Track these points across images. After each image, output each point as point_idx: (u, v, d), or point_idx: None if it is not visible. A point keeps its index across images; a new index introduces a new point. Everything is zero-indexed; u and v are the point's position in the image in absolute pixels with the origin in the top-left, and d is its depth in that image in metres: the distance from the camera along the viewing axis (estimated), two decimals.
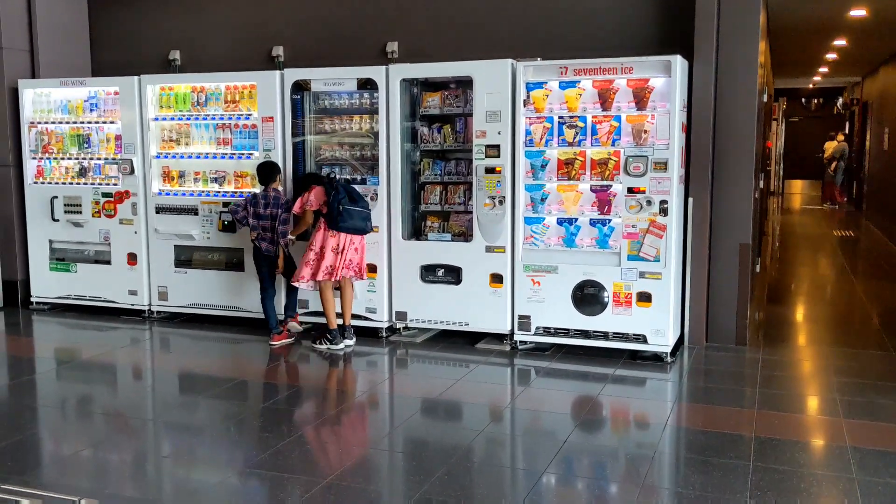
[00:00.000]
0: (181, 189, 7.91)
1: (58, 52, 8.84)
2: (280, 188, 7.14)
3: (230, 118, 7.64)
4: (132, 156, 7.93)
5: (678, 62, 6.30)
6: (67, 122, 8.26)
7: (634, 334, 6.53)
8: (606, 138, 6.49)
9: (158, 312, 8.10)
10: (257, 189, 7.39)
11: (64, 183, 8.33)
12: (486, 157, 6.77)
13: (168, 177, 7.98)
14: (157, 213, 7.92)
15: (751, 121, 6.79)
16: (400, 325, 7.29)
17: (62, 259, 8.37)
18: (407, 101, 7.21)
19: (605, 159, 6.51)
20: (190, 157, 7.80)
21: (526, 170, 6.73)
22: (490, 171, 6.77)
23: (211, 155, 7.72)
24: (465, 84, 6.96)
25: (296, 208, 6.82)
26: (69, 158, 8.33)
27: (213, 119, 7.69)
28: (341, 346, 6.88)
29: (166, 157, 7.91)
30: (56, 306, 8.53)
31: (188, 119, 7.79)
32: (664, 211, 6.35)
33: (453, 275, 7.02)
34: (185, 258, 7.92)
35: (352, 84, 7.21)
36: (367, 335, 7.22)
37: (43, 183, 8.41)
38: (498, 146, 6.73)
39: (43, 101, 8.34)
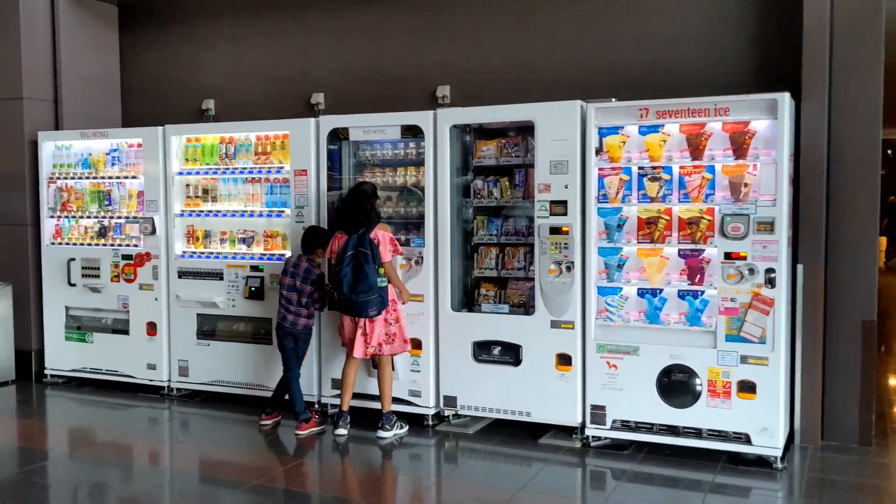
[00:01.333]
0: (206, 251, 7.04)
1: (85, 103, 8.18)
2: (321, 260, 6.17)
3: (260, 171, 6.77)
4: (154, 214, 7.12)
5: (786, 101, 5.19)
6: (88, 178, 7.53)
7: (735, 433, 5.30)
8: (697, 193, 5.38)
9: (178, 390, 7.18)
10: (288, 252, 6.46)
11: (82, 244, 7.56)
12: (551, 214, 5.72)
13: (192, 237, 7.13)
14: (180, 277, 7.06)
15: (874, 170, 5.60)
16: (449, 413, 6.20)
17: (78, 328, 7.55)
18: (458, 151, 6.24)
19: (695, 218, 5.39)
20: (216, 214, 6.94)
21: (599, 230, 5.66)
22: (555, 231, 5.71)
23: (239, 213, 6.85)
24: (526, 131, 5.96)
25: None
26: (89, 217, 7.57)
27: (242, 173, 6.84)
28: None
29: (190, 214, 7.07)
30: (71, 380, 7.71)
31: (215, 173, 6.96)
32: (771, 281, 5.18)
33: (511, 354, 5.93)
34: (209, 328, 7.02)
35: (395, 132, 6.28)
36: (412, 423, 6.14)
37: (61, 244, 7.66)
38: (565, 202, 5.68)
39: (63, 154, 7.64)
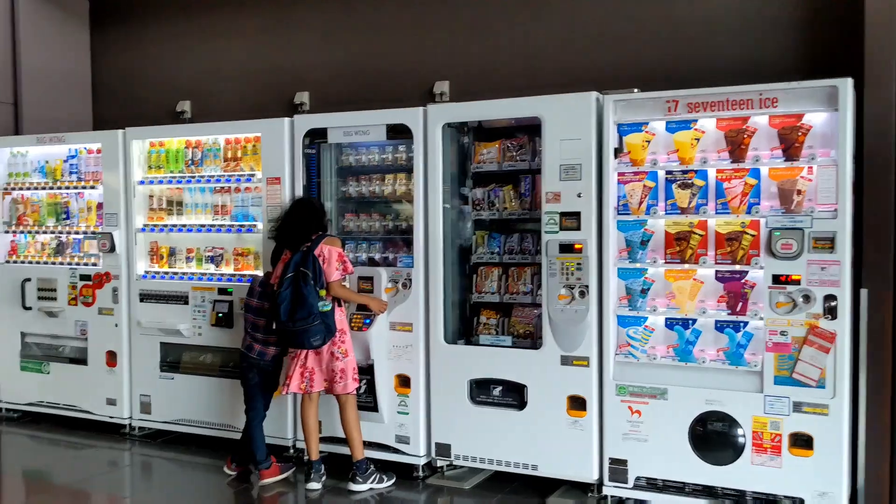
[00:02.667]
0: (171, 270, 6.18)
1: (50, 105, 7.39)
2: None
3: (229, 180, 5.90)
4: (114, 229, 6.26)
5: (849, 88, 4.21)
6: (44, 188, 6.71)
7: (787, 497, 4.31)
8: (739, 202, 4.42)
9: (140, 429, 6.30)
10: (261, 272, 5.58)
11: (38, 262, 6.73)
12: (562, 229, 4.78)
13: (156, 255, 6.28)
14: (142, 301, 6.20)
15: None
16: (442, 463, 5.26)
17: (34, 357, 6.72)
18: (454, 155, 5.34)
19: (736, 233, 4.43)
20: (181, 229, 6.08)
21: (619, 248, 4.71)
22: (566, 248, 4.77)
23: (206, 227, 5.98)
24: (533, 130, 5.03)
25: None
26: (45, 232, 6.75)
27: (210, 181, 5.97)
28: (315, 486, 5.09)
29: (153, 230, 6.22)
30: (27, 414, 6.86)
31: (180, 182, 6.10)
32: (831, 311, 4.19)
33: (515, 395, 4.99)
34: (173, 359, 6.14)
35: (380, 133, 5.38)
36: (400, 474, 5.21)
37: (16, 262, 6.84)
38: (578, 214, 4.74)
39: (19, 162, 6.84)
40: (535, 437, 4.89)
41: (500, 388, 5.03)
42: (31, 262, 6.75)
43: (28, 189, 6.77)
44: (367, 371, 5.25)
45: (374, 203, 5.71)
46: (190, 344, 6.03)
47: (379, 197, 5.63)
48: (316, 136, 5.60)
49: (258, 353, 5.13)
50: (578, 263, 4.74)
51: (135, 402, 6.28)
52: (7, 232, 6.87)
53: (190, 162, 6.05)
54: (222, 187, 5.96)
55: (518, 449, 4.95)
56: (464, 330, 5.37)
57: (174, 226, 6.10)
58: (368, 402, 5.27)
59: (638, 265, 4.67)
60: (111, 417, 6.38)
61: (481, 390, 5.08)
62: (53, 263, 6.64)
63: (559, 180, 4.78)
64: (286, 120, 5.65)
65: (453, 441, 5.14)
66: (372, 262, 5.51)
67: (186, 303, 6.00)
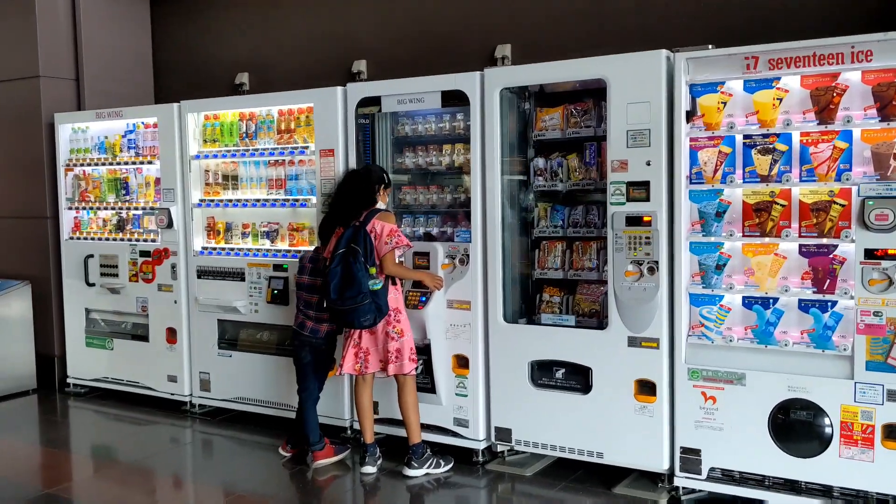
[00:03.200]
0: (227, 246, 6.05)
1: (112, 81, 7.33)
2: None
3: (283, 153, 5.72)
4: (171, 204, 6.18)
5: None
6: (104, 164, 6.67)
7: (879, 495, 3.90)
8: (826, 169, 3.98)
9: (201, 406, 6.24)
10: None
11: (100, 238, 6.72)
12: (629, 200, 4.42)
13: (213, 231, 6.16)
14: (199, 277, 6.11)
15: None
16: (502, 448, 5.00)
17: (99, 333, 6.73)
18: (513, 122, 5.01)
19: (824, 203, 3.99)
20: (235, 204, 5.94)
21: (692, 220, 4.33)
22: (634, 221, 4.41)
23: (261, 202, 5.82)
24: (599, 94, 4.66)
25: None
26: (106, 208, 6.72)
27: (263, 154, 5.80)
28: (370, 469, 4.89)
29: (209, 204, 6.10)
30: (94, 390, 6.90)
31: (234, 155, 5.95)
32: None
33: (579, 378, 4.68)
34: (230, 337, 6.04)
35: (434, 100, 5.09)
36: (459, 458, 4.98)
37: (79, 238, 6.84)
38: (646, 183, 4.37)
39: (80, 138, 6.81)
40: (600, 423, 4.58)
41: (563, 370, 4.73)
42: (93, 239, 6.74)
43: (89, 165, 6.74)
44: (423, 351, 5.02)
45: (430, 175, 5.45)
46: (247, 321, 5.91)
47: (436, 168, 5.36)
48: (370, 106, 5.35)
49: (310, 331, 4.95)
50: (647, 237, 4.38)
51: (195, 380, 6.21)
52: (70, 208, 6.88)
53: (244, 135, 5.89)
54: (276, 160, 5.78)
55: (582, 435, 4.65)
56: (526, 308, 5.08)
57: (229, 201, 5.97)
58: (426, 383, 5.05)
59: (713, 239, 4.28)
60: (172, 395, 6.34)
61: (543, 372, 4.79)
62: (114, 240, 6.61)
63: (626, 147, 4.41)
64: (339, 89, 5.41)
65: (514, 425, 4.87)
66: (428, 237, 5.26)
67: (243, 279, 5.87)
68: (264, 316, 5.80)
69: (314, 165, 5.52)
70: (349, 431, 5.49)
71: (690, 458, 4.32)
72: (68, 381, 6.97)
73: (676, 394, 4.36)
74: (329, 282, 4.58)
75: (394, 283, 4.75)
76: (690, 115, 4.28)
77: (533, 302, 5.07)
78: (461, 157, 5.19)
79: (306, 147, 5.59)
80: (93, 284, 6.67)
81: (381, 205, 4.84)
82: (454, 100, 5.03)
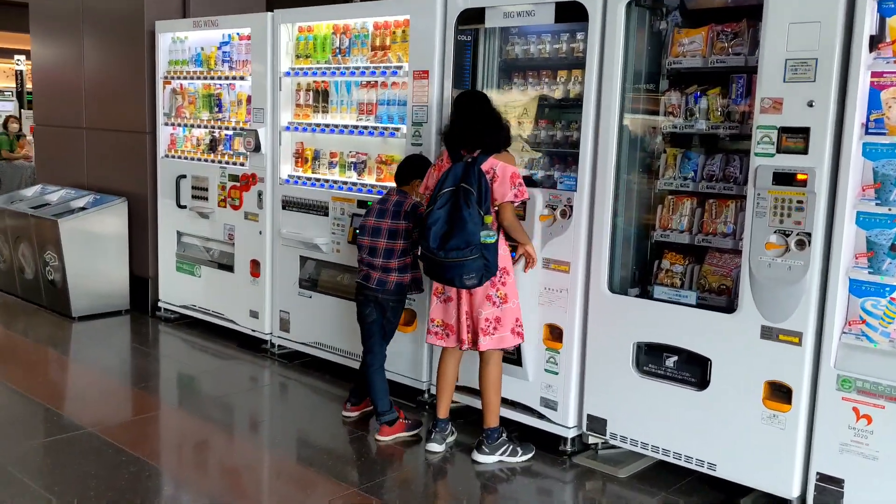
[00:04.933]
0: (313, 177, 5.45)
1: None
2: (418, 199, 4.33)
3: (374, 73, 4.99)
4: (260, 125, 5.62)
5: None
6: (200, 77, 6.19)
7: None
8: None
9: (280, 347, 5.77)
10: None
11: (193, 159, 6.29)
12: (780, 151, 3.40)
13: (301, 158, 5.57)
14: (284, 208, 5.56)
15: None
16: (595, 441, 4.18)
17: (189, 258, 6.37)
18: (642, 45, 4.04)
19: None
20: (324, 129, 5.29)
21: (863, 183, 3.28)
22: (785, 179, 3.40)
23: (348, 129, 5.14)
24: (756, 13, 3.60)
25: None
26: (199, 126, 6.27)
27: (354, 74, 5.10)
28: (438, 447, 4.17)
29: (297, 129, 5.49)
30: (182, 318, 6.60)
31: (325, 74, 5.28)
32: None
33: (695, 370, 3.77)
34: (311, 276, 5.49)
35: (547, 14, 4.17)
36: (541, 445, 4.23)
37: (174, 157, 6.46)
38: (805, 131, 3.34)
39: (178, 49, 6.36)
40: (716, 428, 3.67)
41: (675, 357, 3.83)
42: (187, 158, 6.33)
43: (185, 78, 6.29)
44: None
45: (541, 108, 4.56)
46: (327, 261, 5.33)
47: (549, 99, 4.47)
48: (472, 20, 4.50)
49: (377, 283, 4.27)
50: (800, 201, 3.36)
51: (275, 318, 5.73)
52: (167, 124, 6.48)
53: (337, 51, 5.20)
54: (368, 81, 5.07)
55: (692, 439, 3.76)
56: (639, 275, 4.17)
57: (317, 125, 5.33)
58: (511, 353, 4.28)
59: (890, 210, 3.21)
60: (253, 331, 5.90)
61: (651, 358, 3.91)
62: (206, 161, 6.17)
63: (783, 81, 3.37)
64: None
65: (610, 416, 4.04)
66: (529, 182, 4.40)
67: (326, 214, 5.26)
68: (346, 257, 5.18)
69: (406, 89, 4.76)
70: (426, 395, 4.83)
71: (829, 489, 3.36)
72: (159, 304, 6.70)
73: (818, 405, 3.39)
74: (428, 226, 3.83)
75: (507, 240, 3.97)
76: (875, 42, 3.19)
77: (649, 269, 4.15)
78: (579, 87, 4.27)
79: (400, 67, 4.83)
80: (184, 207, 6.29)
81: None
82: (572, 14, 4.10)
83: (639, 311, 3.91)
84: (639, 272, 4.19)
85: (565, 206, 4.10)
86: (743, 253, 3.55)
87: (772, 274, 3.44)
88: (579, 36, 4.24)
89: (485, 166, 3.82)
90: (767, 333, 3.48)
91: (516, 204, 3.97)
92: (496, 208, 3.87)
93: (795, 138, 3.36)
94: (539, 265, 4.18)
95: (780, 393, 3.48)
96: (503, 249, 3.95)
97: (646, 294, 4.03)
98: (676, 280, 4.02)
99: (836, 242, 3.32)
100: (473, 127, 3.90)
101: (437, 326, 4.08)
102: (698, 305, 3.79)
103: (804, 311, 3.38)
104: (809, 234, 3.34)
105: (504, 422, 4.20)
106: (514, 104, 4.58)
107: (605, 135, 3.94)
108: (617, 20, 3.86)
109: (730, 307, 3.71)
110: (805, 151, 3.34)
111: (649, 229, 4.15)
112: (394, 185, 4.50)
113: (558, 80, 4.42)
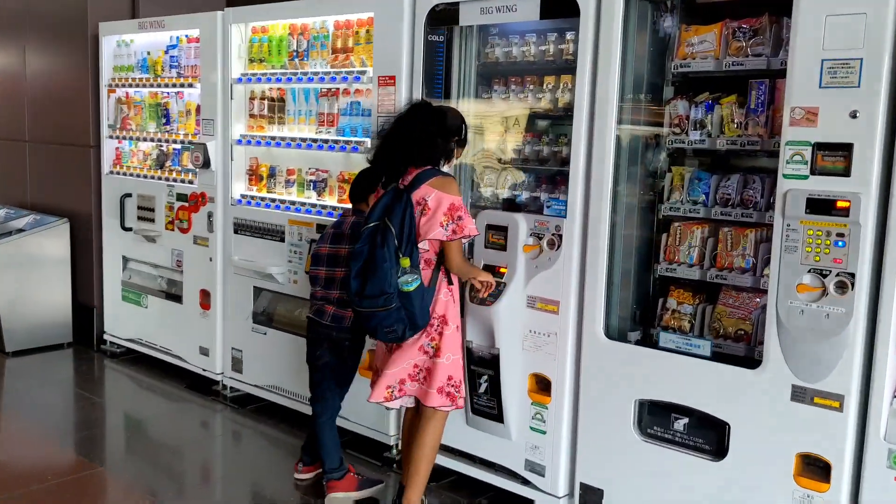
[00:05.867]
0: (269, 196, 4.80)
1: None
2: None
3: (334, 78, 4.35)
4: (209, 138, 4.98)
5: None
6: (146, 85, 5.54)
7: None
8: None
9: (232, 389, 5.10)
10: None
11: (140, 175, 5.64)
12: (815, 172, 2.77)
13: (255, 175, 4.93)
14: (236, 232, 4.91)
15: None
16: None
17: (135, 286, 5.71)
18: (644, 46, 3.43)
19: None
20: (279, 143, 4.65)
21: None
22: (822, 206, 2.77)
23: (307, 143, 4.50)
24: (780, 6, 2.98)
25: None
26: (146, 139, 5.62)
27: (312, 80, 4.46)
28: None
29: (248, 142, 4.85)
30: (128, 352, 5.92)
31: (279, 80, 4.64)
32: None
33: (709, 435, 3.12)
34: (266, 310, 4.84)
35: (530, 9, 3.54)
36: None
37: (120, 174, 5.80)
38: (847, 148, 2.71)
39: (124, 53, 5.72)
40: None
41: (686, 420, 3.18)
42: (133, 175, 5.67)
43: (131, 86, 5.64)
44: (490, 364, 3.59)
45: (526, 119, 3.93)
46: (284, 293, 4.67)
47: (536, 109, 3.84)
48: (446, 18, 3.87)
49: (332, 318, 3.61)
50: (840, 234, 2.73)
51: (226, 357, 5.07)
52: (112, 137, 5.83)
53: (294, 54, 4.56)
54: (329, 89, 4.43)
55: None
56: (641, 316, 3.54)
57: (273, 138, 4.68)
58: (490, 406, 3.64)
59: None
60: (204, 370, 5.24)
61: (656, 419, 3.27)
62: (153, 178, 5.51)
63: (818, 87, 2.75)
64: None
65: (608, 486, 3.38)
66: (510, 206, 3.77)
67: (282, 240, 4.61)
68: (304, 288, 4.50)
69: (371, 97, 4.13)
70: (394, 451, 4.17)
71: None
72: (105, 337, 6.03)
73: (864, 486, 2.75)
74: (350, 268, 3.19)
75: (450, 282, 3.31)
76: None
77: (652, 307, 3.52)
78: (568, 95, 3.65)
79: (363, 72, 4.19)
80: (129, 229, 5.63)
81: (445, 167, 3.38)
82: (559, 10, 3.48)
83: (641, 363, 3.27)
84: (640, 312, 3.55)
85: (553, 234, 3.46)
86: (769, 295, 2.91)
87: (805, 323, 2.81)
88: (569, 36, 3.62)
89: (417, 195, 3.17)
90: (800, 395, 2.84)
91: (466, 241, 3.31)
92: (426, 248, 3.21)
93: (834, 157, 2.74)
94: (522, 302, 3.54)
95: (815, 468, 2.84)
96: (445, 296, 3.27)
97: (649, 339, 3.40)
98: (685, 322, 3.39)
99: (886, 285, 2.68)
100: (404, 149, 3.24)
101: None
102: (714, 357, 3.14)
103: (846, 370, 2.75)
104: (853, 276, 2.71)
105: (482, 487, 3.55)
106: (495, 115, 3.95)
107: (599, 151, 3.31)
108: (614, 15, 3.23)
109: (750, 357, 3.08)
110: (847, 173, 2.71)
111: (652, 262, 3.51)
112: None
113: (545, 86, 3.79)
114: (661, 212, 3.48)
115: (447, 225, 3.13)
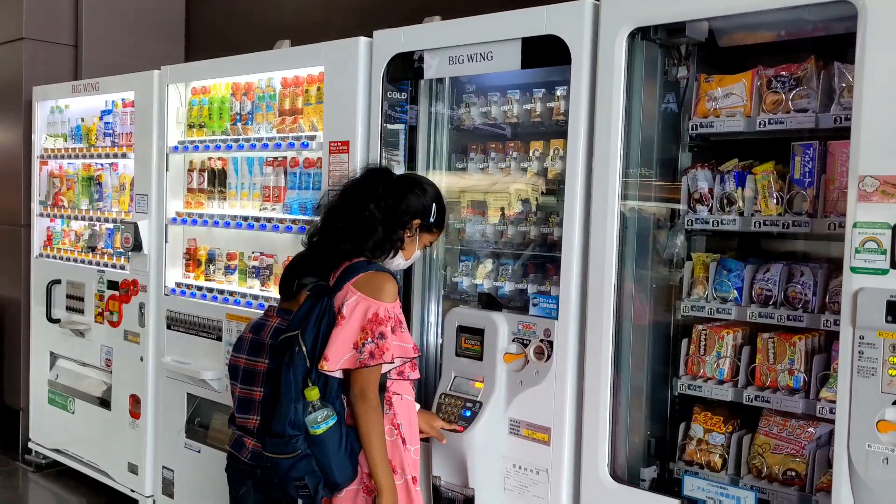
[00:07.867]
0: (206, 285, 4.03)
1: (126, 48, 5.54)
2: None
3: (279, 145, 3.62)
4: (141, 217, 4.24)
5: None
6: (78, 156, 4.85)
7: None
8: None
9: None
10: None
11: (70, 259, 4.90)
12: (895, 266, 2.00)
13: (193, 260, 4.17)
14: (169, 327, 4.13)
15: None
16: None
17: (62, 388, 4.91)
18: (653, 100, 2.70)
19: None
20: (217, 223, 3.90)
21: None
22: None
23: (249, 221, 3.75)
24: (826, 46, 2.28)
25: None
26: (78, 218, 4.89)
27: (255, 147, 3.74)
28: None
29: (185, 221, 4.10)
30: (54, 464, 5.07)
31: (218, 147, 3.92)
32: None
33: None
34: (200, 422, 4.02)
35: (510, 56, 2.83)
36: None
37: (49, 256, 5.06)
38: None
39: (57, 120, 5.03)
40: None
41: None
42: (63, 259, 4.93)
43: (63, 157, 4.94)
44: None
45: (509, 194, 3.19)
46: (220, 402, 3.86)
47: (519, 182, 3.11)
48: (409, 71, 3.17)
49: (253, 455, 2.77)
50: None
51: (157, 477, 4.23)
52: (43, 215, 5.11)
53: (237, 117, 3.86)
54: (275, 158, 3.71)
55: None
56: (657, 447, 2.72)
57: (212, 217, 3.94)
58: None
59: None
60: (132, 490, 4.39)
61: None
62: (84, 262, 4.77)
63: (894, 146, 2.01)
64: (361, 40, 3.26)
65: None
66: (488, 302, 2.99)
67: (219, 338, 3.83)
68: None
69: (322, 167, 3.40)
70: None
71: None
72: (30, 445, 5.19)
73: None
74: (264, 390, 2.39)
75: (395, 415, 2.46)
76: None
77: (671, 434, 2.71)
78: (560, 164, 2.91)
79: (313, 137, 3.48)
80: (57, 321, 4.85)
81: (395, 261, 2.51)
82: (545, 57, 2.77)
83: None
84: (656, 441, 2.74)
85: (542, 340, 2.67)
86: (836, 433, 2.11)
87: (891, 476, 2.00)
88: (559, 91, 2.91)
89: (338, 298, 2.37)
90: None
91: (386, 367, 2.38)
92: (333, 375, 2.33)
93: None
94: (503, 428, 2.73)
95: None
96: (389, 434, 2.39)
97: (669, 481, 2.58)
98: (715, 457, 2.57)
99: None
100: (335, 237, 2.45)
101: None
102: None
103: None
104: None
105: None
106: (471, 189, 3.21)
107: (598, 233, 2.55)
108: (614, 59, 2.52)
109: None
110: None
111: (671, 375, 2.72)
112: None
113: (531, 154, 3.06)
114: (679, 311, 2.71)
115: (363, 345, 2.28)
